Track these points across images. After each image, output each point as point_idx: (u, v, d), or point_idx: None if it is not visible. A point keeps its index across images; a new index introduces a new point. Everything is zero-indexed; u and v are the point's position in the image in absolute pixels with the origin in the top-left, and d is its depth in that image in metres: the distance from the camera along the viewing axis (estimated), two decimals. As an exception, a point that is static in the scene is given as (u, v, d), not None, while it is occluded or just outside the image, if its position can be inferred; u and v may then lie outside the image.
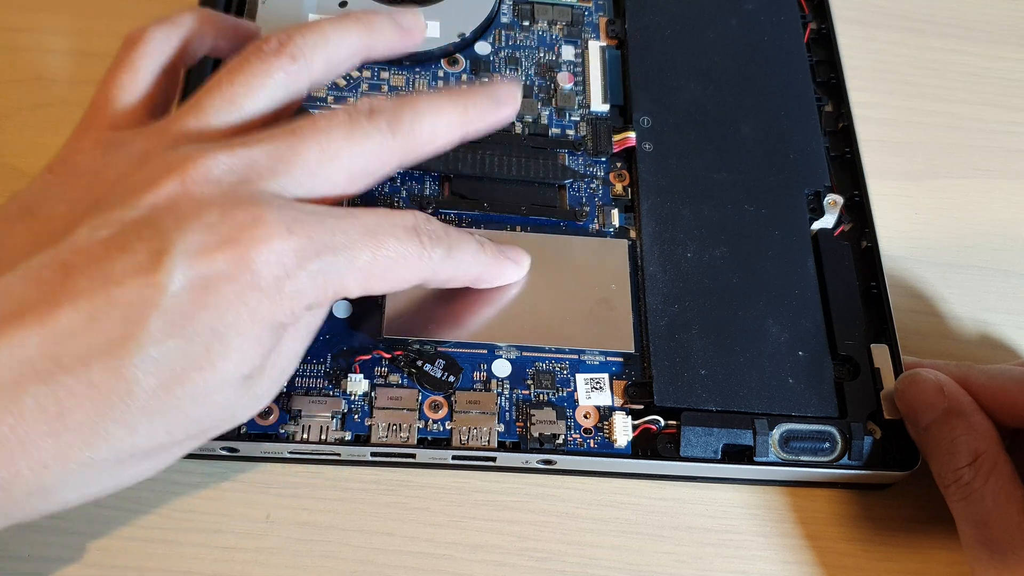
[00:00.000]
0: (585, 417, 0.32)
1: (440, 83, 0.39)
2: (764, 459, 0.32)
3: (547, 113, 0.39)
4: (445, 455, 0.31)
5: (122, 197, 0.25)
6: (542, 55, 0.40)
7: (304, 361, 0.32)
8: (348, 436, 0.31)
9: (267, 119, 0.28)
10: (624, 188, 0.37)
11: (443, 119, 0.29)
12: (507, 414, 0.32)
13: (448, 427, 0.31)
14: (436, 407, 0.32)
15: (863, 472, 0.32)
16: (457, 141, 0.30)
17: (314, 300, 0.26)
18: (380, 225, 0.27)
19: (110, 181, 0.26)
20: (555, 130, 0.38)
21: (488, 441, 0.31)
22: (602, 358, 0.33)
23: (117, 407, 0.23)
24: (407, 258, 0.27)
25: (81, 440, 0.23)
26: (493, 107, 0.30)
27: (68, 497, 0.25)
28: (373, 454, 0.31)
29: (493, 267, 0.32)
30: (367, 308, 0.33)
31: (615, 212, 0.36)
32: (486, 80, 0.33)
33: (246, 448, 0.31)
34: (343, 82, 0.38)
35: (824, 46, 0.42)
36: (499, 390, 0.32)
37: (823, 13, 0.43)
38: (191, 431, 0.26)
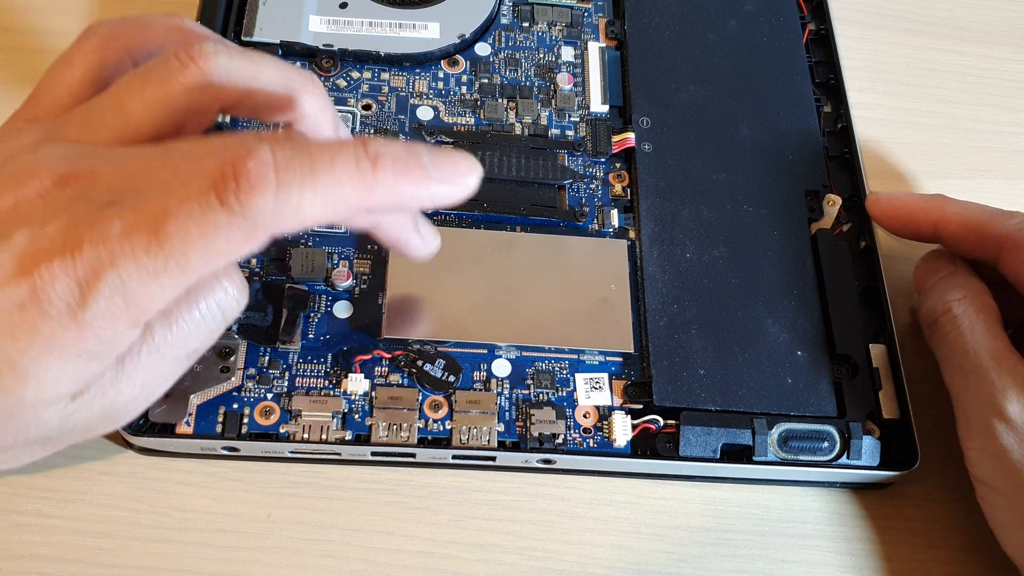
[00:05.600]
0: (585, 417, 0.32)
1: (440, 84, 0.39)
2: (763, 459, 0.32)
3: (547, 114, 0.39)
4: (445, 455, 0.31)
5: None
6: (542, 56, 0.40)
7: (305, 361, 0.32)
8: (349, 436, 0.31)
9: (163, 132, 0.26)
10: (623, 189, 0.37)
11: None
12: (507, 414, 0.32)
13: (448, 427, 0.31)
14: (436, 407, 0.32)
15: (862, 471, 0.32)
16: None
17: (129, 321, 0.23)
18: (170, 201, 0.22)
19: None
20: (555, 131, 0.38)
21: (488, 441, 0.31)
22: (601, 358, 0.33)
23: None
24: (210, 234, 0.22)
25: None
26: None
27: None
28: (373, 453, 0.31)
29: (396, 190, 0.24)
30: (367, 308, 0.33)
31: (614, 212, 0.37)
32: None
33: (247, 448, 0.31)
34: (343, 82, 0.38)
35: (823, 47, 0.42)
36: (499, 390, 0.32)
37: (822, 14, 0.43)
38: (20, 440, 0.25)
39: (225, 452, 0.31)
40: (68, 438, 0.27)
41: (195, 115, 0.27)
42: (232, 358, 0.31)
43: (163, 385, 0.27)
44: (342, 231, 0.35)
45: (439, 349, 0.33)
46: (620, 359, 0.34)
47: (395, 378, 0.32)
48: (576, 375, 0.33)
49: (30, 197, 0.24)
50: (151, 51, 0.29)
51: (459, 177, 0.25)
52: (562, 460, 0.32)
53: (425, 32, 0.39)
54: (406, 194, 0.24)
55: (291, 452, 0.31)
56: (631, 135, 0.38)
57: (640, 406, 0.33)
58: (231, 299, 0.26)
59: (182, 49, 0.26)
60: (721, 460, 0.32)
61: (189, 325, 0.26)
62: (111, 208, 0.23)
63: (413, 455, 0.31)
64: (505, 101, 0.39)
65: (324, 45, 0.38)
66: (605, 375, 0.33)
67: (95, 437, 0.28)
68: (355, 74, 0.38)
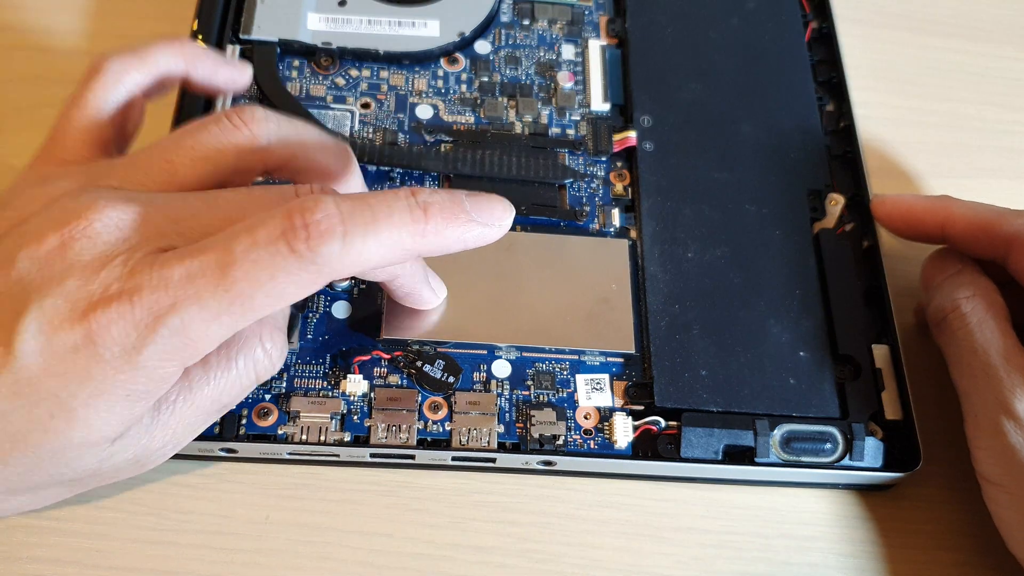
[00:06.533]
0: (585, 418, 0.32)
1: (440, 82, 0.39)
2: (765, 460, 0.32)
3: (547, 112, 0.38)
4: (445, 456, 0.31)
5: (11, 246, 0.25)
6: (542, 54, 0.40)
7: (303, 362, 0.32)
8: (347, 437, 0.31)
9: (207, 188, 0.27)
10: (624, 188, 0.37)
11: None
12: (507, 415, 0.32)
13: (448, 428, 0.31)
14: (436, 408, 0.31)
15: (865, 473, 0.32)
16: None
17: (180, 361, 0.24)
18: (237, 247, 0.23)
19: (15, 222, 0.26)
20: (555, 129, 0.38)
21: (488, 442, 0.31)
22: (602, 358, 0.33)
23: None
24: (279, 277, 0.24)
25: None
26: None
27: None
28: (372, 455, 0.31)
29: (445, 234, 0.26)
30: (367, 308, 0.33)
31: (615, 212, 0.36)
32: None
33: (245, 449, 0.30)
34: (342, 81, 0.38)
35: (825, 45, 0.42)
36: (499, 391, 0.32)
37: (824, 12, 0.43)
38: (55, 480, 0.26)
39: (223, 454, 0.31)
40: (96, 480, 0.27)
41: (240, 174, 0.28)
42: (230, 359, 0.31)
43: (191, 436, 0.28)
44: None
45: (438, 350, 0.32)
46: (621, 360, 0.33)
47: (394, 379, 0.32)
48: (577, 376, 0.33)
49: (76, 238, 0.24)
50: (159, 78, 0.31)
51: (497, 220, 0.27)
52: (563, 462, 0.31)
53: (425, 30, 0.39)
54: (453, 237, 0.26)
55: (289, 454, 0.31)
56: (632, 134, 0.38)
57: (641, 407, 0.32)
58: (267, 361, 0.28)
59: (235, 112, 0.27)
60: (723, 462, 0.32)
61: (226, 380, 0.27)
62: (168, 253, 0.24)
63: (412, 457, 0.31)
64: (505, 99, 0.38)
65: (323, 43, 0.38)
66: (606, 376, 0.33)
67: (120, 480, 0.28)
68: (354, 72, 0.38)
